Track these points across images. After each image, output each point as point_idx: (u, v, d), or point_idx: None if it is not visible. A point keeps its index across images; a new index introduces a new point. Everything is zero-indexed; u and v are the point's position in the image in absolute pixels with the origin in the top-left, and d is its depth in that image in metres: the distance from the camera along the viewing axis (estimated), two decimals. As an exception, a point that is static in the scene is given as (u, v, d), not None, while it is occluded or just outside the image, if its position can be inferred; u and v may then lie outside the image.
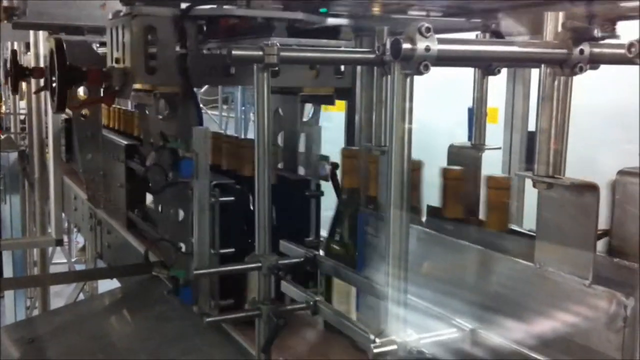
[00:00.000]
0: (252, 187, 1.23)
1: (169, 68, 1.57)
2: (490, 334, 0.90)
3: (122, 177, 2.50)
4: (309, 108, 2.00)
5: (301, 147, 1.88)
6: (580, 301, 0.96)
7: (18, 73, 2.46)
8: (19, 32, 3.81)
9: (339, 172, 1.64)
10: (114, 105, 2.86)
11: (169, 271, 1.73)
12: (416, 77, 0.87)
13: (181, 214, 1.70)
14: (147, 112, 1.78)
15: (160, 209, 1.83)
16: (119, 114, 2.98)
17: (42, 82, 3.88)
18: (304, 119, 1.97)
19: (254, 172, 1.20)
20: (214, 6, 1.59)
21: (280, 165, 1.91)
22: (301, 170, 1.87)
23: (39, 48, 3.86)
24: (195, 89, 1.65)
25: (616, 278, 0.96)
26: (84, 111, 2.69)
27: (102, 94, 1.86)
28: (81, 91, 1.95)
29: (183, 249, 1.69)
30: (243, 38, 1.59)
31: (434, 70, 0.86)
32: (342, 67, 1.78)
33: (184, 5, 1.59)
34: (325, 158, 1.77)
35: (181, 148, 1.60)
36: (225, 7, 1.58)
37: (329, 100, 1.87)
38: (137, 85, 1.61)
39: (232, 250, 1.62)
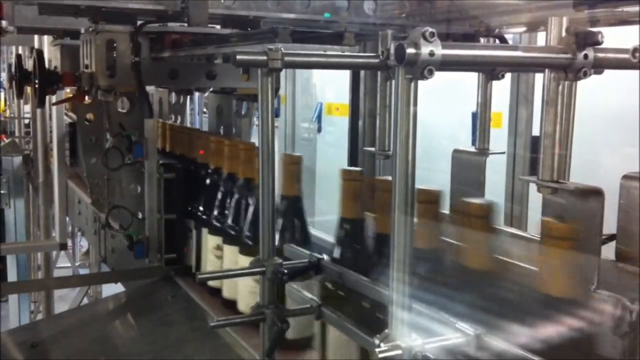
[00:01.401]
0: (195, 166, 2.11)
1: (126, 72, 1.99)
2: (495, 339, 0.90)
3: (131, 181, 2.52)
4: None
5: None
6: (585, 306, 0.96)
7: (22, 78, 2.53)
8: (23, 37, 3.82)
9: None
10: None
11: (125, 232, 2.21)
12: (420, 81, 0.87)
13: (136, 188, 2.22)
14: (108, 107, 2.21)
15: (121, 184, 2.31)
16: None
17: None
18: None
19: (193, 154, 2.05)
20: (160, 24, 2.00)
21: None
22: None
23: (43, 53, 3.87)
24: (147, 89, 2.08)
25: (621, 283, 0.96)
26: (89, 116, 2.77)
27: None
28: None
29: (140, 216, 2.20)
30: (188, 48, 2.01)
31: (438, 73, 0.86)
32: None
33: (138, 23, 1.99)
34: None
35: (134, 135, 2.10)
36: (169, 24, 2.01)
37: (256, 99, 2.19)
38: (100, 86, 2.01)
39: (174, 216, 2.14)
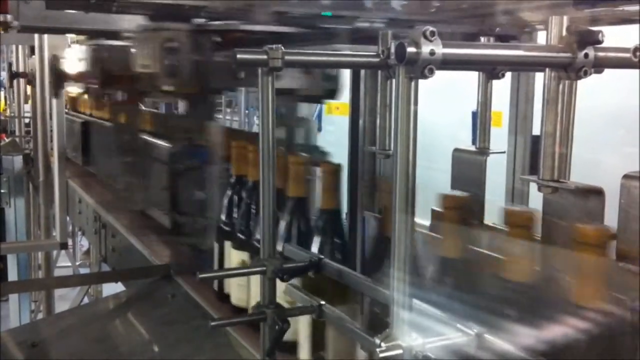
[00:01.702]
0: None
1: (187, 73, 1.87)
2: (496, 339, 0.89)
3: (165, 179, 2.54)
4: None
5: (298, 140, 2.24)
6: (585, 306, 0.96)
7: (59, 79, 2.57)
8: (23, 36, 3.82)
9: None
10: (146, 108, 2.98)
11: (191, 240, 2.12)
12: (421, 80, 0.87)
13: (198, 194, 2.10)
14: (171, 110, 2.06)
15: (181, 190, 2.26)
16: (153, 117, 3.00)
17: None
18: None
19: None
20: (223, 22, 1.86)
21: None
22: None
23: (43, 51, 3.87)
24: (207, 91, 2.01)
25: (622, 282, 0.95)
26: (124, 116, 2.78)
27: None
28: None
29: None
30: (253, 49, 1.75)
31: (439, 72, 0.86)
32: (335, 71, 2.02)
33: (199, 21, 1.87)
34: (318, 149, 2.07)
35: (199, 139, 2.00)
36: (232, 22, 1.84)
37: (319, 100, 2.16)
38: (160, 88, 1.92)
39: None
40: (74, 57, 3.01)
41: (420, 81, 0.87)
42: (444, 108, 4.17)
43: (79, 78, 2.50)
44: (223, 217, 1.84)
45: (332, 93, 2.05)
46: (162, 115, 2.78)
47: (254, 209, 1.73)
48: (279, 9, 1.72)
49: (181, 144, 2.08)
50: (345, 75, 1.91)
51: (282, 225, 1.59)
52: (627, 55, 0.96)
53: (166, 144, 2.57)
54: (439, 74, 0.87)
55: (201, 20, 1.89)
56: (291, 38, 1.88)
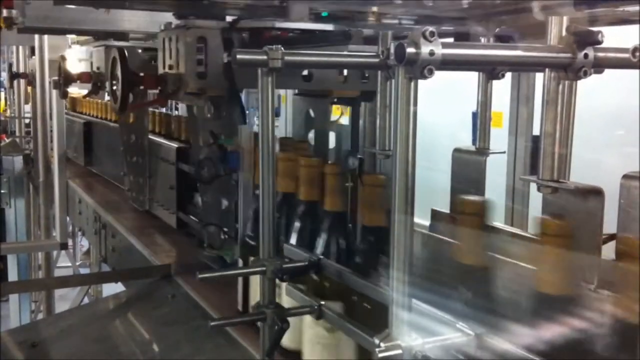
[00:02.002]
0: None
1: (218, 73, 1.76)
2: (495, 339, 0.90)
3: (173, 178, 2.55)
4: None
5: (330, 144, 2.13)
6: (585, 305, 0.96)
7: (67, 78, 2.55)
8: (23, 37, 3.82)
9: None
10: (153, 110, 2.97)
11: (217, 252, 2.00)
12: (421, 80, 0.87)
13: (225, 203, 2.00)
14: (195, 113, 2.05)
15: (207, 198, 2.08)
16: (161, 119, 3.02)
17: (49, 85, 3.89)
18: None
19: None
20: (257, 19, 1.79)
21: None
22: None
23: (44, 52, 3.87)
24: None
25: (621, 282, 0.95)
26: (131, 117, 2.82)
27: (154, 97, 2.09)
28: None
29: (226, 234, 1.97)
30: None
31: (439, 72, 0.86)
32: (367, 72, 1.92)
33: (230, 19, 1.81)
34: (353, 153, 1.92)
35: (229, 144, 1.86)
36: (267, 19, 1.78)
37: (355, 102, 2.05)
38: (188, 89, 1.79)
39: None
40: (82, 57, 3.00)
41: (421, 81, 0.87)
42: (445, 108, 4.17)
43: (87, 79, 2.48)
44: (248, 231, 1.73)
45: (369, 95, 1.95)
46: (183, 118, 2.76)
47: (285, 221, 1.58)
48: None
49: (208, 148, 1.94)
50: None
51: (320, 242, 1.44)
52: (627, 55, 0.96)
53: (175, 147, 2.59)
54: (440, 75, 0.87)
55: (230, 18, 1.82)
56: (320, 39, 1.84)
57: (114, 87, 1.99)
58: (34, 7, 1.92)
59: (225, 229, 1.99)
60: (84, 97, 3.37)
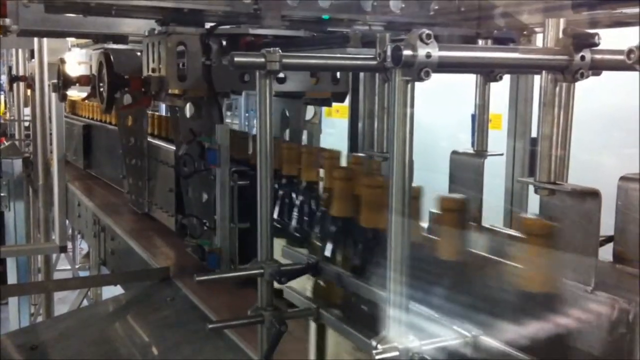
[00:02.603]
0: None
1: (197, 76, 1.91)
2: (492, 340, 0.90)
3: (172, 181, 2.57)
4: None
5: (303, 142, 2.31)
6: (582, 307, 0.96)
7: (66, 82, 2.58)
8: (23, 40, 3.83)
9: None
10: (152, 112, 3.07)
11: (197, 241, 2.10)
12: (421, 83, 0.87)
13: (205, 196, 2.10)
14: (177, 113, 2.16)
15: (188, 192, 2.22)
16: (160, 121, 3.03)
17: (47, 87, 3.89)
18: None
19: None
20: (233, 26, 1.93)
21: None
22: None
23: (43, 55, 3.88)
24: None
25: (619, 284, 0.96)
26: (130, 119, 2.87)
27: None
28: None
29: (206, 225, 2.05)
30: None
31: (439, 75, 0.86)
32: (338, 74, 2.08)
33: (208, 26, 1.94)
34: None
35: (207, 141, 1.97)
36: (241, 26, 1.91)
37: (327, 103, 2.23)
38: (170, 90, 1.93)
39: (248, 224, 1.97)
40: (81, 60, 3.03)
41: (421, 84, 0.87)
42: (444, 110, 4.17)
43: (86, 81, 2.49)
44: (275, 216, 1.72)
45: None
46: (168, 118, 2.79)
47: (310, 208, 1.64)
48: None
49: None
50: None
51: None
52: (623, 57, 0.96)
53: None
54: (440, 77, 0.87)
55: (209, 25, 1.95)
56: (299, 43, 1.93)
57: (101, 89, 2.14)
58: (32, 10, 1.94)
59: (205, 221, 2.08)
60: (83, 99, 3.37)
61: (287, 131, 2.43)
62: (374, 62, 1.03)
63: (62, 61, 2.77)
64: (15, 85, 6.03)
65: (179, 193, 2.52)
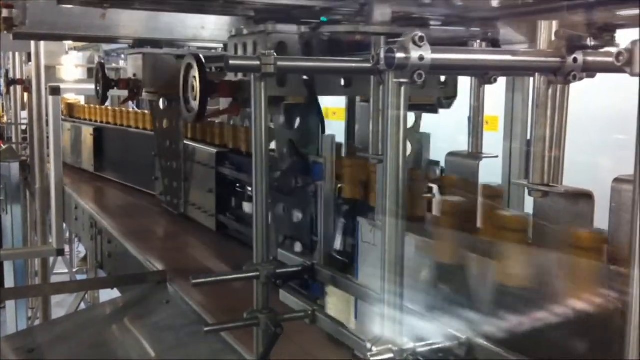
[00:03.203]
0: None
1: (297, 80, 1.69)
2: (485, 342, 0.90)
3: (212, 182, 2.60)
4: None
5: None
6: (575, 308, 0.97)
7: (105, 84, 2.59)
8: (20, 43, 3.83)
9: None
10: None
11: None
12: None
13: (299, 215, 1.85)
14: (272, 122, 1.90)
15: (282, 209, 1.94)
16: (194, 125, 3.02)
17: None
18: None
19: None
20: (338, 25, 1.71)
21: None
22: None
23: (40, 58, 3.88)
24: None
25: (612, 285, 0.96)
26: (165, 122, 2.87)
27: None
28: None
29: (298, 249, 1.78)
30: (364, 53, 1.62)
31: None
32: (443, 78, 1.80)
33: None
34: (436, 163, 1.79)
35: (312, 154, 1.77)
36: (344, 25, 1.68)
37: (432, 109, 1.94)
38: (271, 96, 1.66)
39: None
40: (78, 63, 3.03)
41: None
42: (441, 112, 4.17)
43: (124, 85, 2.54)
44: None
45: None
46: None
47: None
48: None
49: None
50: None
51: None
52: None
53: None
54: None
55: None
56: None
57: (188, 95, 1.90)
58: (31, 12, 1.91)
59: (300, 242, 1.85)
60: (121, 103, 3.42)
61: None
62: (368, 65, 1.04)
63: (102, 65, 2.80)
64: (12, 88, 6.02)
65: (218, 193, 2.58)
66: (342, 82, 1.78)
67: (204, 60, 1.83)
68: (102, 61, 3.20)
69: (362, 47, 1.64)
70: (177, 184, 2.92)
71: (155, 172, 3.17)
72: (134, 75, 2.62)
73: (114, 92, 2.89)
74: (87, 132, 4.25)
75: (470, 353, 0.90)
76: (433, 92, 1.82)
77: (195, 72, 1.83)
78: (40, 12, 2.04)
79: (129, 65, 2.77)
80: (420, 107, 1.92)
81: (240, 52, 1.78)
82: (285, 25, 1.70)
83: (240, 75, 1.78)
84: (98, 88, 2.69)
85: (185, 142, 2.91)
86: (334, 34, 1.71)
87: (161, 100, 2.58)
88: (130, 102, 3.29)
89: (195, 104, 1.83)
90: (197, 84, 1.83)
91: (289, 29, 1.70)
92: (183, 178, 2.89)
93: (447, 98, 1.86)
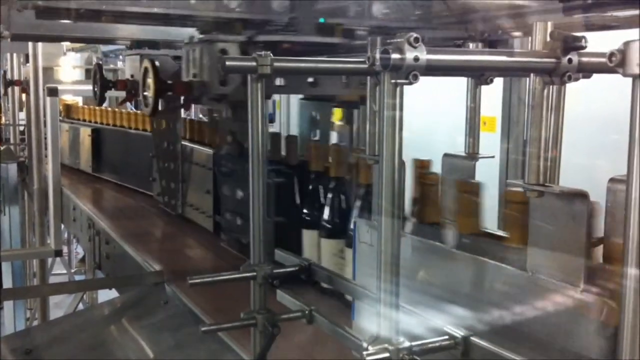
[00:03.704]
0: (301, 173, 2.07)
1: (237, 81, 1.99)
2: (482, 341, 0.90)
3: (210, 183, 2.61)
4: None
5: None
6: (572, 308, 0.97)
7: (103, 85, 2.63)
8: (17, 44, 3.83)
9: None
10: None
11: (235, 235, 2.27)
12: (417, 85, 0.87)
13: (240, 194, 2.20)
14: (216, 116, 2.35)
15: (226, 190, 2.32)
16: (192, 125, 3.07)
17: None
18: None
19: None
20: (272, 35, 2.02)
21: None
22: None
23: (37, 59, 3.88)
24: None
25: (608, 285, 0.96)
26: (163, 123, 2.93)
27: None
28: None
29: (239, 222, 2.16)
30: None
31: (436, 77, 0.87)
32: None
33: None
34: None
35: (246, 142, 1.92)
36: (280, 34, 2.02)
37: (356, 105, 2.32)
38: (212, 95, 2.02)
39: (283, 219, 1.95)
40: (76, 64, 3.06)
41: (416, 87, 0.87)
42: (440, 113, 4.18)
43: (123, 86, 2.57)
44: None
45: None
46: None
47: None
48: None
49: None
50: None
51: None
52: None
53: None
54: (435, 80, 0.88)
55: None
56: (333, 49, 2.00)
57: (145, 94, 2.25)
58: (25, 15, 1.93)
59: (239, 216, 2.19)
60: (119, 104, 3.44)
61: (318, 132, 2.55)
62: (364, 66, 1.04)
63: (100, 66, 2.80)
64: (10, 89, 6.03)
65: (216, 195, 2.59)
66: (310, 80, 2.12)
67: (157, 64, 2.20)
68: (100, 62, 3.20)
69: (295, 54, 1.96)
70: (175, 185, 2.93)
71: (152, 173, 3.17)
72: (132, 76, 2.64)
73: (111, 93, 2.89)
74: (85, 133, 4.24)
75: (467, 351, 0.91)
76: (358, 91, 2.12)
77: (150, 75, 2.19)
78: (33, 16, 2.05)
79: (127, 67, 2.78)
80: (346, 103, 2.34)
81: (191, 58, 2.10)
82: (226, 36, 2.00)
83: (191, 77, 2.11)
84: (95, 89, 2.70)
85: (183, 142, 2.92)
86: (268, 42, 2.01)
87: (159, 102, 2.61)
88: (128, 103, 3.29)
89: (150, 101, 2.21)
90: (152, 84, 2.19)
91: (228, 39, 2.00)
92: (181, 179, 2.90)
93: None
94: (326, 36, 2.02)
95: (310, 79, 2.08)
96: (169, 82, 2.18)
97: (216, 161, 2.51)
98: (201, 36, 2.08)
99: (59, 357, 1.92)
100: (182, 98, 2.26)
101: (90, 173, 4.20)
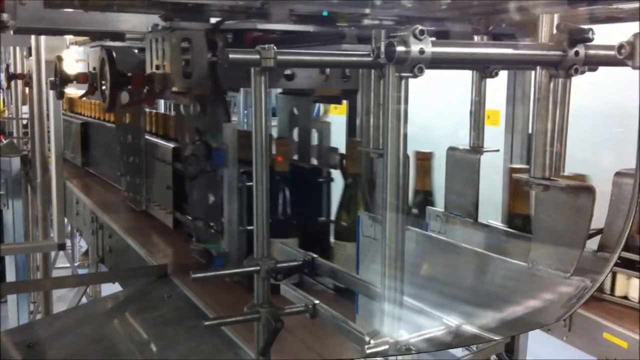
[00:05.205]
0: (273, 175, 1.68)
1: (202, 73, 1.84)
2: (473, 328, 0.91)
3: (169, 179, 2.56)
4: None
5: (313, 141, 2.23)
6: (557, 292, 0.97)
7: (64, 80, 2.58)
8: (20, 38, 3.82)
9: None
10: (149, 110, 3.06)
11: (203, 245, 2.05)
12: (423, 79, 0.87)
13: (211, 198, 2.02)
14: (182, 111, 2.14)
15: (194, 194, 2.17)
16: (157, 119, 3.00)
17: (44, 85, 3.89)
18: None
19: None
20: (239, 22, 1.87)
21: (295, 157, 2.24)
22: (314, 161, 2.19)
23: (40, 53, 3.87)
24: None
25: (595, 269, 0.96)
26: (127, 117, 2.87)
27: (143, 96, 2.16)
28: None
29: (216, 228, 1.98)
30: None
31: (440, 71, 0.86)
32: (347, 71, 2.00)
33: (214, 20, 1.87)
34: (335, 149, 2.06)
35: (213, 141, 1.92)
36: (249, 21, 1.87)
37: (337, 100, 2.18)
38: (175, 88, 1.87)
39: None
40: (79, 58, 3.02)
41: (421, 80, 0.86)
42: (445, 107, 4.18)
43: (84, 79, 2.49)
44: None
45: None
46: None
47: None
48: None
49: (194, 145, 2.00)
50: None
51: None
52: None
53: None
54: (439, 73, 0.87)
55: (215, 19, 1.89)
56: (306, 39, 1.89)
57: (103, 87, 2.08)
58: (29, 7, 1.92)
59: (212, 224, 2.02)
60: (81, 97, 3.38)
61: (296, 130, 2.35)
62: (369, 59, 1.03)
63: (60, 59, 2.76)
64: (13, 83, 6.02)
65: (176, 191, 2.52)
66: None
67: (114, 55, 2.03)
68: (60, 55, 3.15)
69: (262, 42, 1.72)
70: (139, 180, 2.87)
71: (120, 168, 3.11)
72: (94, 68, 2.57)
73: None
74: (76, 127, 4.26)
75: (461, 339, 0.90)
76: (337, 85, 2.02)
77: (106, 66, 2.02)
78: (36, 10, 2.04)
79: (90, 59, 2.72)
80: (327, 98, 2.21)
81: (153, 47, 1.95)
82: (190, 23, 1.84)
83: (154, 69, 1.96)
84: (57, 82, 2.63)
85: (147, 137, 2.87)
86: (237, 30, 1.87)
87: (122, 94, 2.53)
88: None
89: (107, 94, 2.05)
90: (107, 77, 2.03)
91: (193, 26, 1.83)
92: (145, 174, 2.84)
93: (351, 91, 2.05)
94: (301, 24, 1.89)
95: (287, 71, 1.93)
96: (128, 74, 2.02)
97: (181, 160, 2.35)
98: (164, 23, 1.92)
99: (62, 350, 1.92)
100: (143, 92, 2.09)
101: (80, 167, 4.21)
